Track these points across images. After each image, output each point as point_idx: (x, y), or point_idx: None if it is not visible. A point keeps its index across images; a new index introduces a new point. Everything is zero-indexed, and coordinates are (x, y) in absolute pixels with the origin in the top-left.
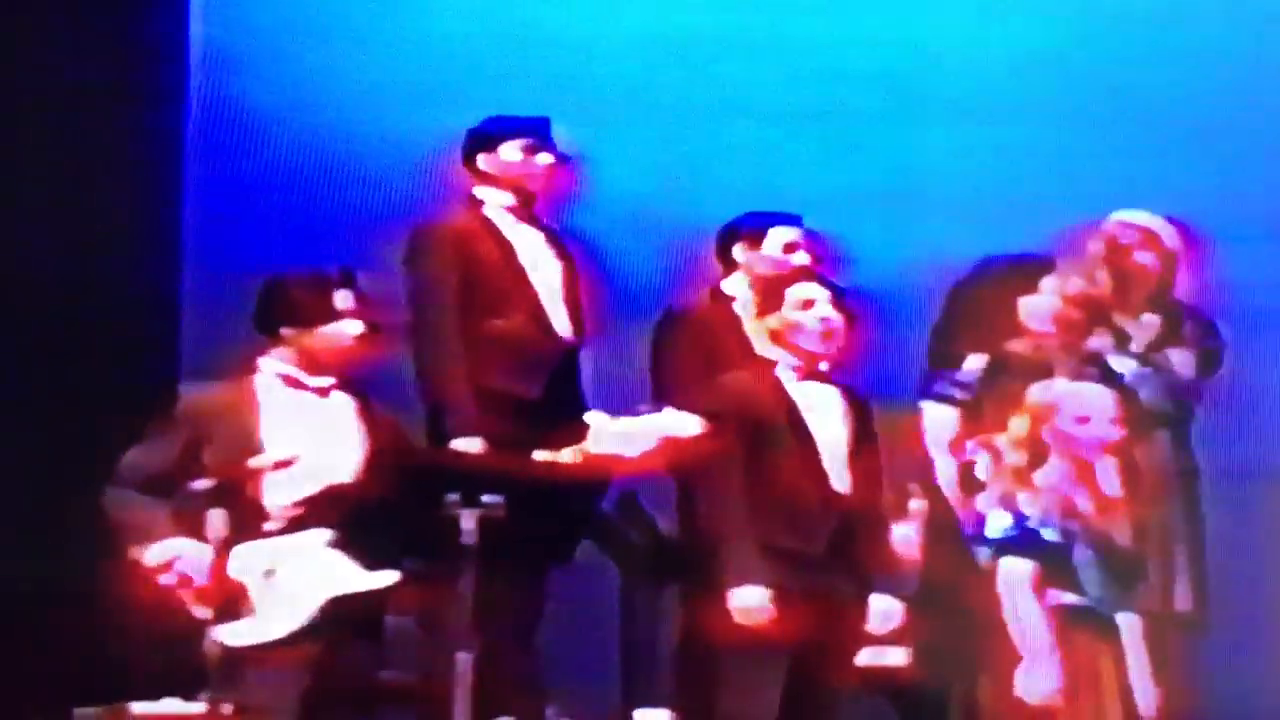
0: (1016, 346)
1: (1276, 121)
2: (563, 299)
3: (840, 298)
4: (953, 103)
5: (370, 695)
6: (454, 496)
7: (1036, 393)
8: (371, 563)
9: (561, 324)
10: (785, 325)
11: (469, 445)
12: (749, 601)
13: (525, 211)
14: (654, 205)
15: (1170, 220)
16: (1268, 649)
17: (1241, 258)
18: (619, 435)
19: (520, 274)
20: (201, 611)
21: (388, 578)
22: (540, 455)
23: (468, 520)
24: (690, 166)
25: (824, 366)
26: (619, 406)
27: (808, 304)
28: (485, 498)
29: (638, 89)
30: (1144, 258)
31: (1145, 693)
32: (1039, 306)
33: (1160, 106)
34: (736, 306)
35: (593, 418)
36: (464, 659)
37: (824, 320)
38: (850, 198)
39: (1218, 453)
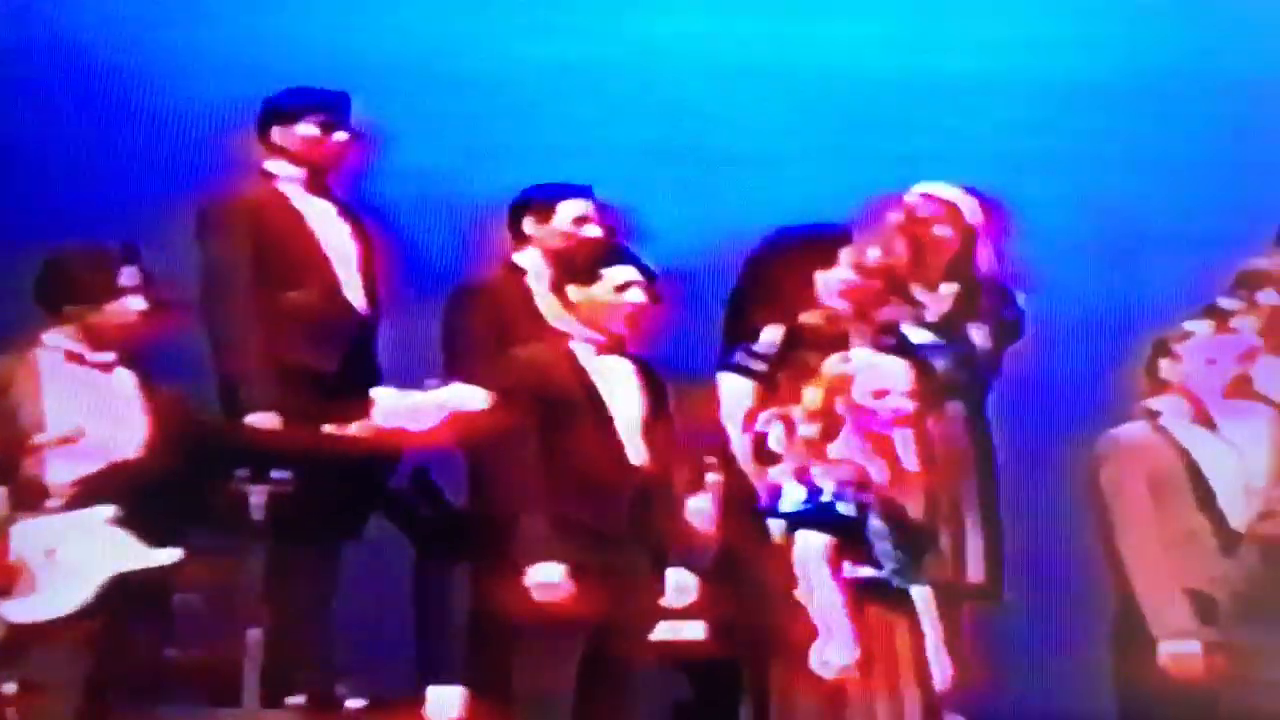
0: (812, 318)
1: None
2: (357, 272)
3: (651, 281)
4: (750, 71)
5: (157, 672)
6: (243, 472)
7: (832, 364)
8: (157, 539)
9: (355, 297)
10: (593, 302)
11: (262, 420)
12: (545, 577)
13: (319, 185)
14: (448, 179)
15: (971, 192)
16: (1061, 619)
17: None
18: (407, 410)
19: (314, 247)
20: None
21: (173, 554)
22: (329, 429)
23: (257, 496)
24: (484, 140)
25: (619, 341)
26: (412, 380)
27: (623, 287)
28: (275, 473)
29: (432, 62)
30: (942, 230)
31: (940, 665)
32: (835, 278)
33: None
34: (529, 279)
35: (380, 392)
36: (253, 635)
37: (634, 304)
38: (645, 167)
39: (1014, 424)
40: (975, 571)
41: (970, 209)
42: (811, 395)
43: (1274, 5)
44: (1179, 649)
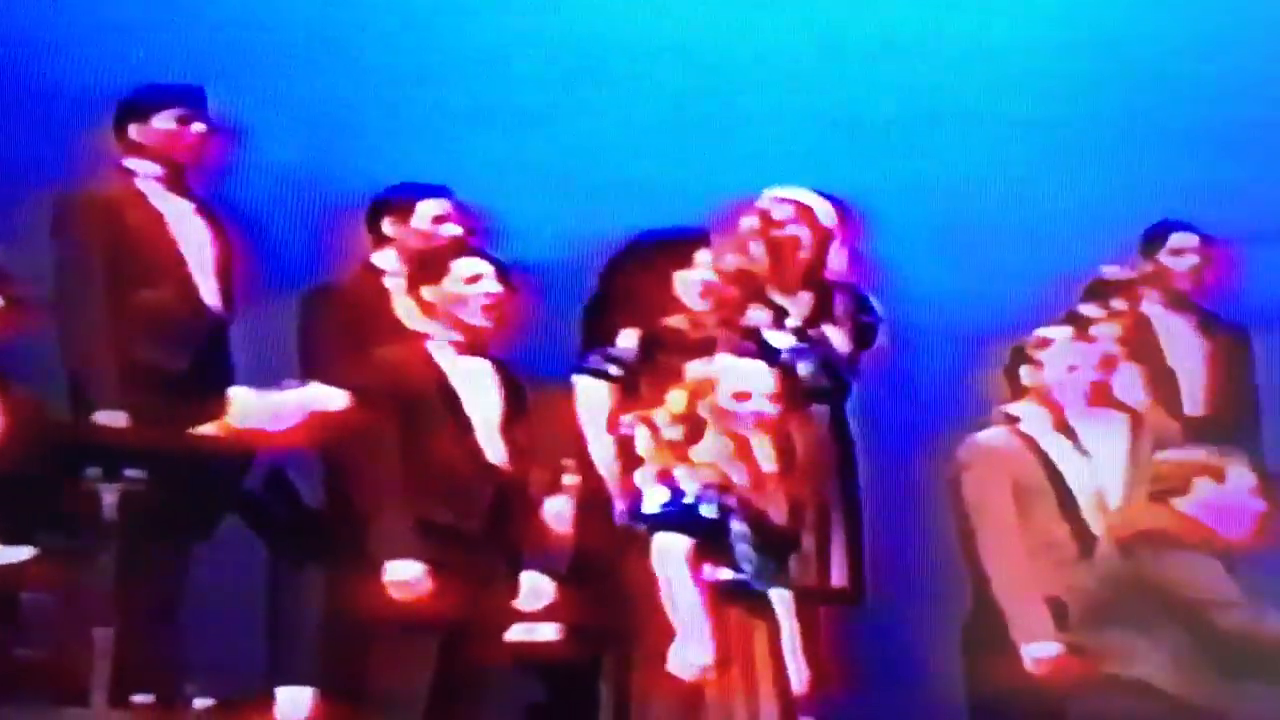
0: (672, 322)
1: None
2: (213, 271)
3: (503, 272)
4: (613, 71)
5: (5, 672)
6: (94, 470)
7: (695, 368)
8: (6, 537)
9: (210, 296)
10: (446, 298)
11: (113, 418)
12: (403, 575)
13: (177, 182)
14: (308, 177)
15: (825, 196)
16: (918, 621)
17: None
18: (264, 409)
19: (170, 245)
20: None
21: (21, 553)
22: (185, 429)
23: (108, 495)
24: (345, 138)
25: (479, 341)
26: (268, 381)
27: (473, 279)
28: (127, 472)
29: (293, 57)
30: (798, 233)
31: (797, 667)
32: (694, 282)
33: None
34: (387, 280)
35: (236, 392)
36: (103, 635)
37: (488, 295)
38: (506, 169)
39: (875, 427)
40: (837, 575)
41: (824, 212)
42: (676, 398)
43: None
44: (1041, 652)
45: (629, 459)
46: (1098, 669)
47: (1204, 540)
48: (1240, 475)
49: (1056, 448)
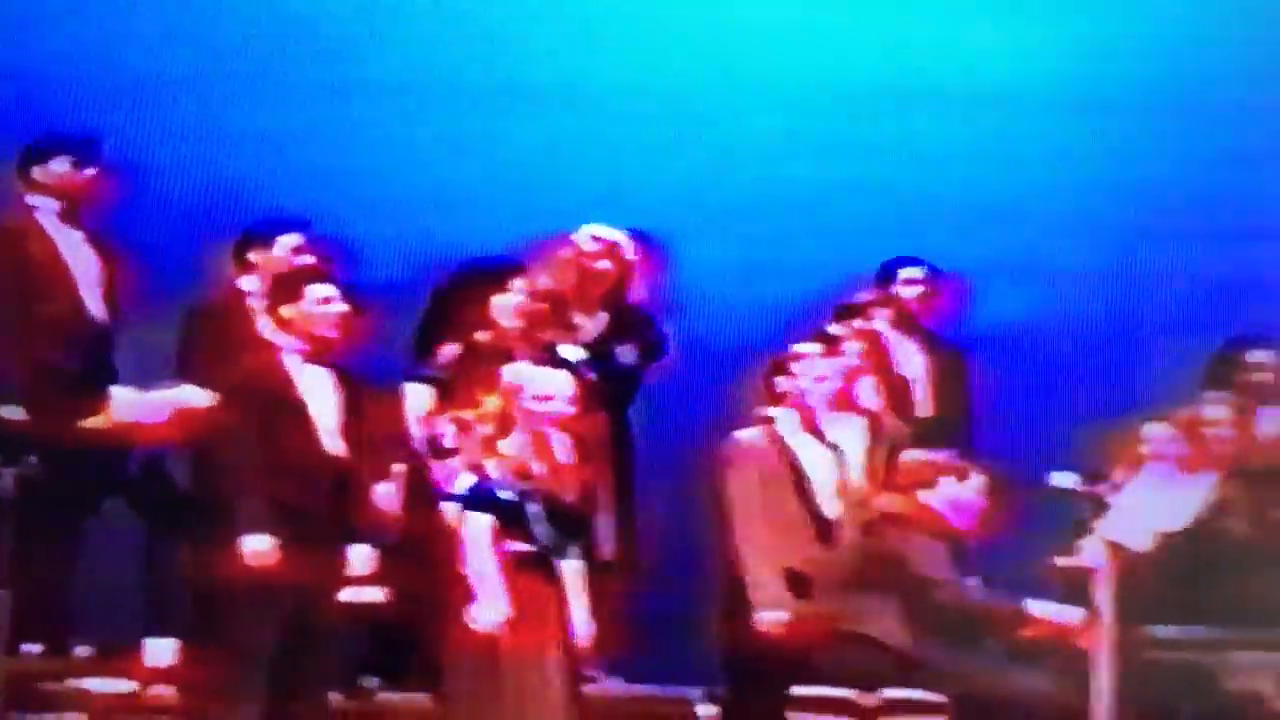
0: (486, 337)
1: None
2: (99, 290)
3: (350, 294)
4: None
5: None
6: None
7: (507, 375)
8: None
9: (97, 310)
10: (300, 316)
11: (12, 412)
12: (256, 548)
13: (72, 216)
14: (195, 212)
15: (632, 234)
16: (684, 590)
17: None
18: (143, 406)
19: (63, 267)
20: None
21: None
22: (74, 422)
23: (6, 476)
24: (225, 173)
25: (324, 351)
26: (147, 382)
27: (323, 300)
28: (26, 458)
29: (187, 98)
30: (603, 265)
31: (582, 625)
32: (508, 303)
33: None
34: (250, 300)
35: (118, 391)
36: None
37: (338, 314)
38: (359, 198)
39: (657, 426)
40: (616, 549)
41: (629, 248)
42: (489, 401)
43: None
44: (772, 616)
45: (444, 451)
46: (834, 628)
47: (937, 527)
48: (977, 477)
49: (803, 446)
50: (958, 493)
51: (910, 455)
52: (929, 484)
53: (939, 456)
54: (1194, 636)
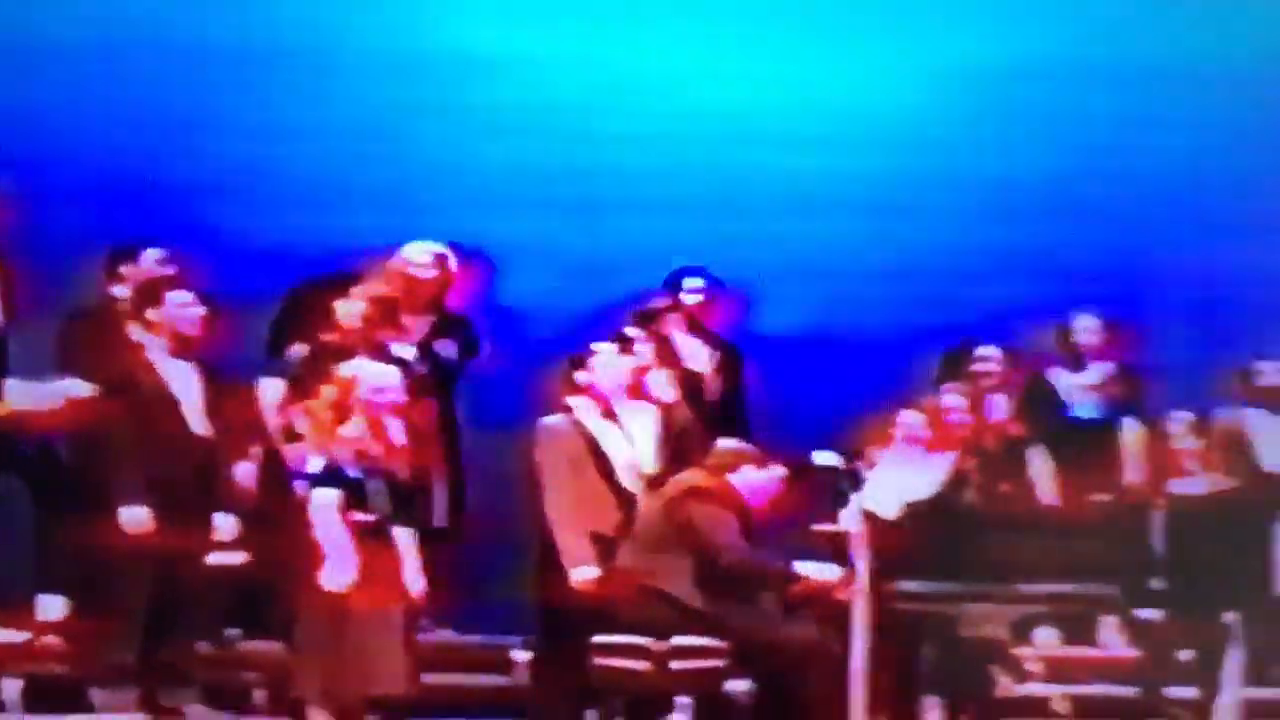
0: (329, 337)
1: None
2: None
3: (207, 299)
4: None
5: None
6: None
7: (345, 369)
8: None
9: None
10: (164, 318)
11: None
12: (132, 518)
13: None
14: (82, 225)
15: (454, 246)
16: (506, 553)
17: None
18: (32, 396)
19: None
20: None
21: None
22: None
23: None
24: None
25: (187, 348)
26: (37, 375)
27: (184, 304)
28: None
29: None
30: (429, 274)
31: (415, 583)
32: (349, 308)
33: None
34: (121, 305)
35: (11, 383)
36: None
37: (197, 316)
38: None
39: (480, 412)
40: (441, 518)
41: (453, 260)
42: (330, 391)
43: None
44: (583, 575)
45: (296, 436)
46: (632, 584)
47: (733, 502)
48: (777, 468)
49: (601, 429)
50: (757, 478)
51: (723, 443)
52: (734, 468)
53: (745, 447)
54: (936, 590)
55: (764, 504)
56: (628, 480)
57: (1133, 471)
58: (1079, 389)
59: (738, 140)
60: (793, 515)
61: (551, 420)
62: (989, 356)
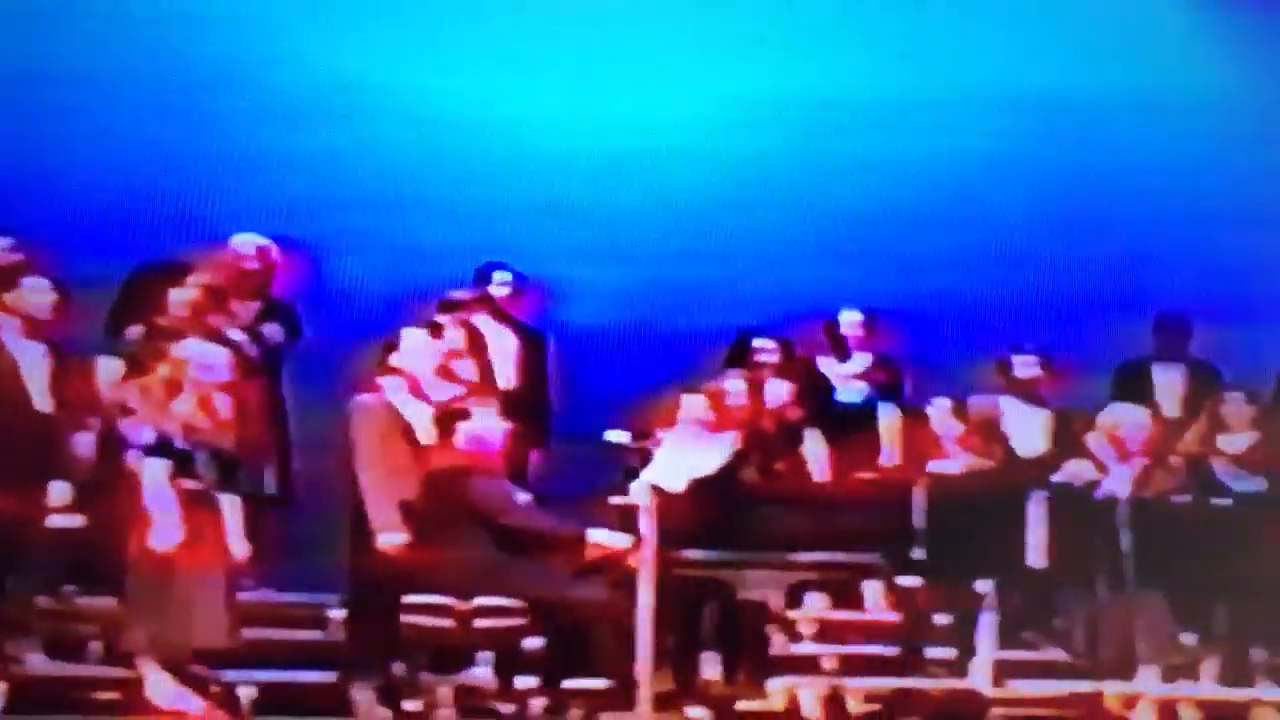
0: (163, 320)
1: None
2: None
3: (58, 285)
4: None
5: None
6: None
7: (177, 350)
8: None
9: None
10: (16, 301)
11: None
12: None
13: None
14: None
15: (277, 239)
16: (326, 517)
17: None
18: None
19: None
20: None
21: None
22: None
23: None
24: None
25: (38, 330)
26: None
27: (35, 290)
28: None
29: None
30: (254, 265)
31: (237, 545)
32: (182, 294)
33: None
34: None
35: None
36: None
37: (47, 300)
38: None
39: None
40: (271, 485)
41: (276, 252)
42: (163, 369)
43: None
44: (388, 539)
45: (131, 410)
46: (436, 548)
47: (479, 464)
48: (484, 414)
49: (410, 407)
50: (471, 429)
51: (437, 396)
52: (450, 431)
53: (451, 401)
54: (717, 558)
55: (493, 452)
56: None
57: (893, 452)
58: (845, 377)
59: (544, 138)
60: (584, 484)
61: (364, 398)
62: (768, 347)
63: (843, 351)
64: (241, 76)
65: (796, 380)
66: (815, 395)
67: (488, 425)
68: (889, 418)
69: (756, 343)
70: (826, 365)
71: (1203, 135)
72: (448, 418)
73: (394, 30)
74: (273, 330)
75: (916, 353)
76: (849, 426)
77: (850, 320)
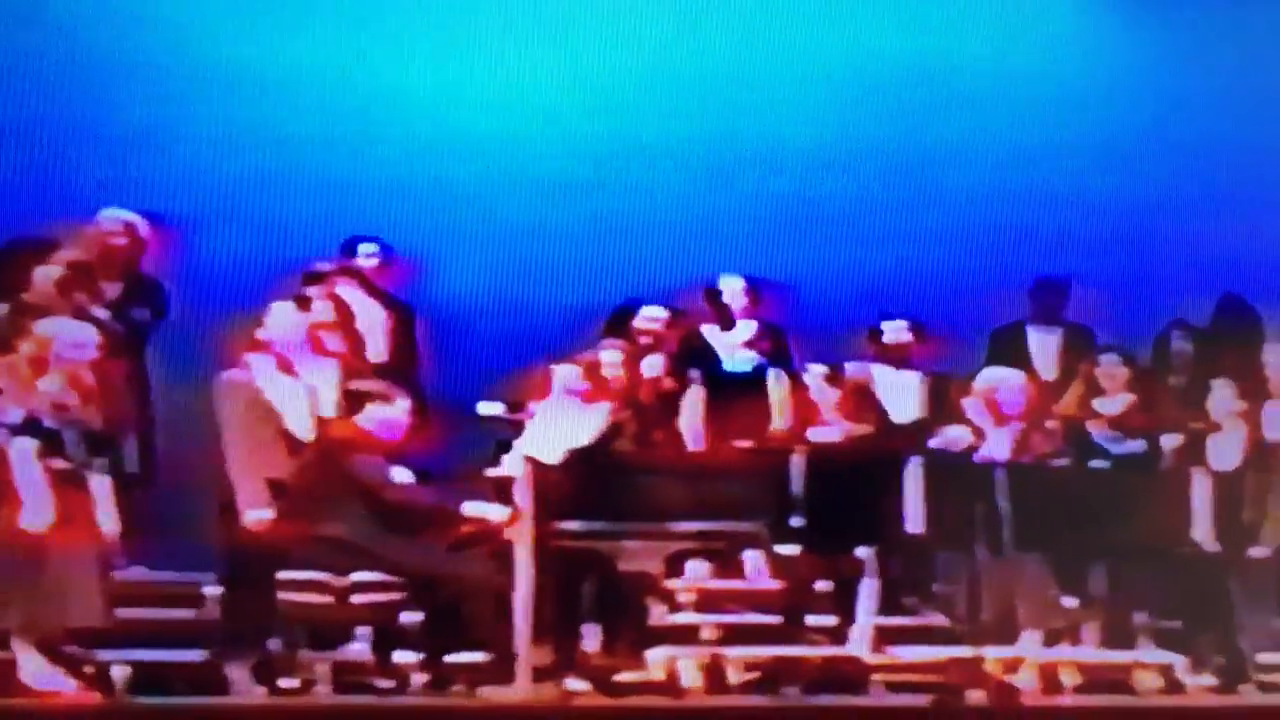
0: (29, 297)
1: None
2: None
3: None
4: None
5: None
6: None
7: (43, 328)
8: None
9: None
10: None
11: None
12: None
13: None
14: None
15: (146, 215)
16: (198, 497)
17: None
18: None
19: None
20: None
21: None
22: None
23: None
24: None
25: None
26: None
27: None
28: None
29: None
30: (120, 241)
31: (110, 525)
32: (48, 271)
33: None
34: None
35: None
36: None
37: None
38: None
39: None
40: (134, 464)
41: (143, 227)
42: (28, 348)
43: None
44: (255, 516)
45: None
46: (309, 530)
47: (371, 444)
48: (402, 400)
49: (276, 382)
50: (384, 414)
51: (353, 385)
52: (359, 409)
53: (370, 385)
54: (595, 529)
55: (399, 438)
56: (301, 430)
57: (779, 420)
58: (729, 346)
59: (419, 116)
60: (458, 457)
61: (230, 374)
62: (648, 316)
63: (727, 320)
64: (109, 52)
65: (679, 348)
66: (699, 363)
67: (397, 411)
68: (777, 385)
69: (643, 311)
70: (711, 333)
71: (1060, 111)
72: (358, 397)
73: (259, 5)
74: (139, 308)
75: (799, 320)
76: (737, 394)
77: (732, 288)
